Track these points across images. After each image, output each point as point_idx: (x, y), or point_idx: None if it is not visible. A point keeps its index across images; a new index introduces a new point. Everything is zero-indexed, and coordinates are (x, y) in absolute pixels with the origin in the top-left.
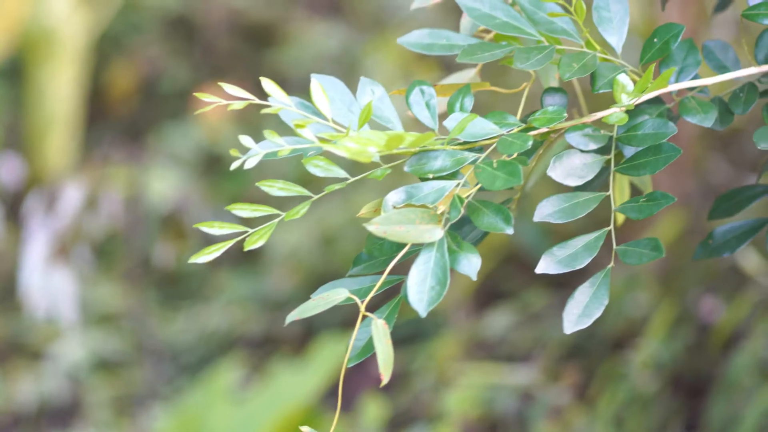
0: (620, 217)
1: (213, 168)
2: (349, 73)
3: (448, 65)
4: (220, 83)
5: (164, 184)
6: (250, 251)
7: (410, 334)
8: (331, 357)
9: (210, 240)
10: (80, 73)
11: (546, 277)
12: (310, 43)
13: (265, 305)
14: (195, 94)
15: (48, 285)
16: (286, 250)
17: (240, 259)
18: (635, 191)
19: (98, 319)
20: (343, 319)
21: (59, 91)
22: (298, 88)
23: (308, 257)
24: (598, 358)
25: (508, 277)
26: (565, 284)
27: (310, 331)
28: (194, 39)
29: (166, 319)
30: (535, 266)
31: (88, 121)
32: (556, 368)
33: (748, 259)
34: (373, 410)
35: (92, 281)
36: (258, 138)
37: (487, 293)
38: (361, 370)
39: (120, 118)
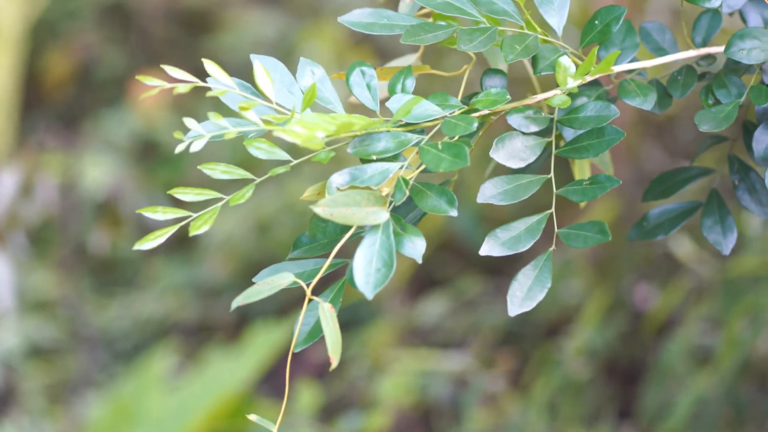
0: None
1: (148, 155)
2: (285, 59)
3: (383, 53)
4: (162, 66)
5: (99, 170)
6: (185, 239)
7: (345, 321)
8: (265, 344)
9: (145, 227)
10: (16, 60)
11: (480, 265)
12: (247, 30)
13: (199, 293)
14: (137, 77)
15: None
16: (220, 238)
17: (175, 246)
18: (594, 171)
19: (33, 305)
20: (277, 306)
21: None
22: (236, 74)
23: (243, 245)
24: (532, 344)
25: (442, 264)
26: (499, 271)
27: (244, 319)
28: (130, 26)
29: (100, 306)
30: (469, 253)
31: (23, 107)
32: (490, 355)
33: (681, 246)
34: (307, 397)
35: (27, 268)
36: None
37: (422, 280)
38: (296, 357)
39: (55, 105)
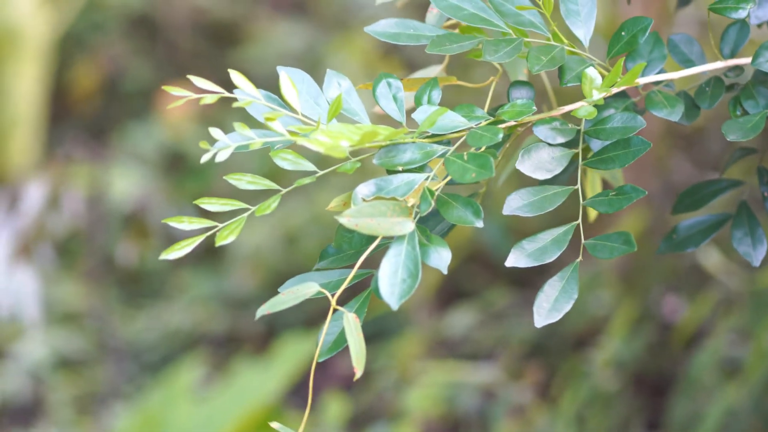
0: (592, 213)
1: (175, 166)
2: (312, 71)
3: (411, 64)
4: (189, 77)
5: (127, 182)
6: (212, 250)
7: (372, 333)
8: (293, 356)
9: (173, 238)
10: (43, 72)
11: (508, 276)
12: (274, 42)
13: (227, 304)
14: (164, 88)
15: (11, 284)
16: (248, 249)
17: (202, 257)
18: (606, 187)
19: (61, 317)
20: (305, 317)
21: (22, 90)
22: (262, 86)
23: (270, 256)
24: (560, 356)
25: (470, 275)
26: (527, 283)
27: (272, 330)
28: (157, 38)
29: (128, 318)
30: (496, 265)
31: (51, 119)
32: (518, 366)
33: (709, 257)
34: (335, 408)
35: (55, 280)
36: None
37: (449, 292)
38: (324, 369)
39: (83, 117)
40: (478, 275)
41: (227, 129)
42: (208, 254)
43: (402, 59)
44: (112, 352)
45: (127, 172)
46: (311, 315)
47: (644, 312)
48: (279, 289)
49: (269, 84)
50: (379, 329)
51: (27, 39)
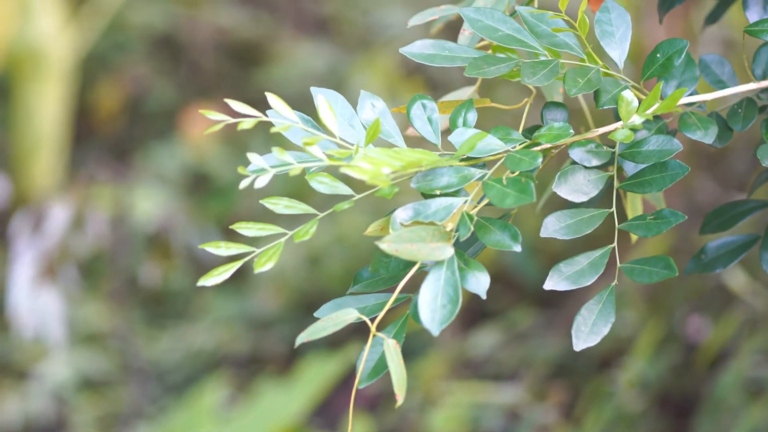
0: (634, 235)
1: (199, 187)
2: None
3: (435, 85)
4: (226, 101)
5: (150, 203)
6: (236, 271)
7: None
8: (317, 376)
9: (196, 259)
10: (66, 93)
11: (532, 297)
12: (297, 62)
13: (250, 325)
14: (200, 111)
15: (35, 304)
16: (272, 270)
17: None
18: (647, 207)
19: (84, 338)
20: (328, 338)
21: (46, 110)
22: None
23: (294, 276)
24: (584, 377)
25: (494, 296)
26: (551, 304)
27: (295, 351)
28: (180, 58)
29: (151, 339)
30: (521, 285)
31: (74, 140)
32: (542, 387)
33: (734, 278)
34: (359, 429)
35: (78, 301)
36: (244, 158)
37: (474, 312)
38: (347, 389)
39: (106, 138)
40: (502, 295)
41: (252, 149)
42: (232, 275)
43: (425, 80)
44: (135, 372)
45: (151, 193)
46: (334, 336)
47: (669, 333)
48: (316, 314)
49: (294, 104)
50: (403, 350)
51: (50, 59)
